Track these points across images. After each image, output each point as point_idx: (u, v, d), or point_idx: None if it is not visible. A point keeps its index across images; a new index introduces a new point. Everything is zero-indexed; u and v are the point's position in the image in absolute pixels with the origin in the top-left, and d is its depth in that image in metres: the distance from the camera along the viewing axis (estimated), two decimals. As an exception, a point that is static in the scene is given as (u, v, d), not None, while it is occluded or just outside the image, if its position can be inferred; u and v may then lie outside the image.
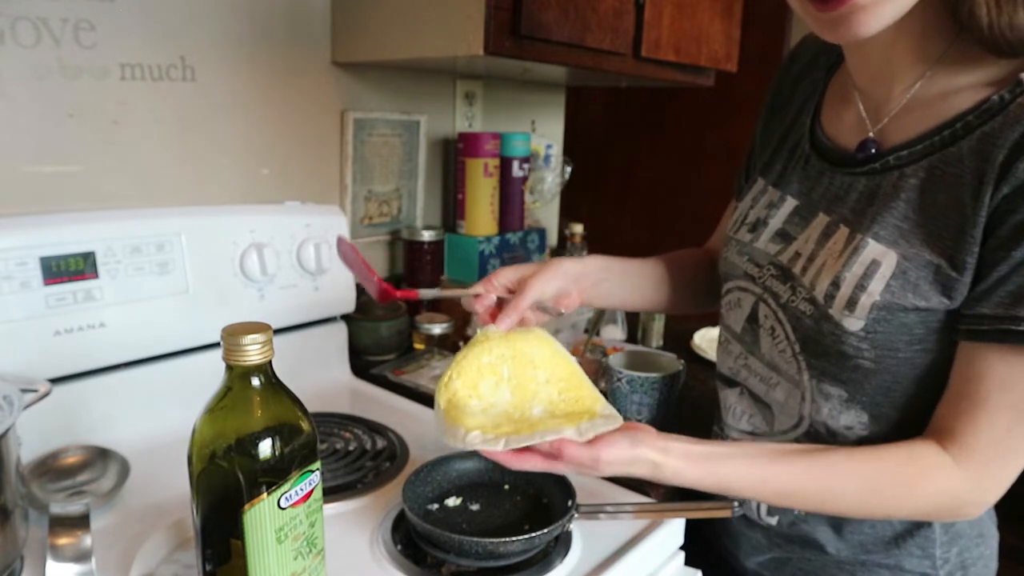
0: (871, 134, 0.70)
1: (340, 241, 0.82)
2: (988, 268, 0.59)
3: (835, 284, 0.67)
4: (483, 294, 0.76)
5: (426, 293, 0.78)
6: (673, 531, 0.82)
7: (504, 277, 0.77)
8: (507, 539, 0.68)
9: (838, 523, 0.75)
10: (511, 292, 0.76)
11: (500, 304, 0.76)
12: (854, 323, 0.65)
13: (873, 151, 0.69)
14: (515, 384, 0.71)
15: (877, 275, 0.64)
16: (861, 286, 0.65)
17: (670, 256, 0.96)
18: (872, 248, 0.65)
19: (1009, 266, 0.58)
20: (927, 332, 0.64)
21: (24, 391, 0.68)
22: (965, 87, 0.63)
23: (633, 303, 0.94)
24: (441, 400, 0.67)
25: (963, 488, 0.62)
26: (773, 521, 0.79)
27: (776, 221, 0.76)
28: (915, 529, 0.72)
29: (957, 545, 0.73)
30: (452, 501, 0.80)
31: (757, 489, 0.66)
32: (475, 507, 0.79)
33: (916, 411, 0.67)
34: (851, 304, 0.65)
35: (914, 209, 0.63)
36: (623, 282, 0.89)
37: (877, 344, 0.65)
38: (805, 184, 0.75)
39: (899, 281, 0.63)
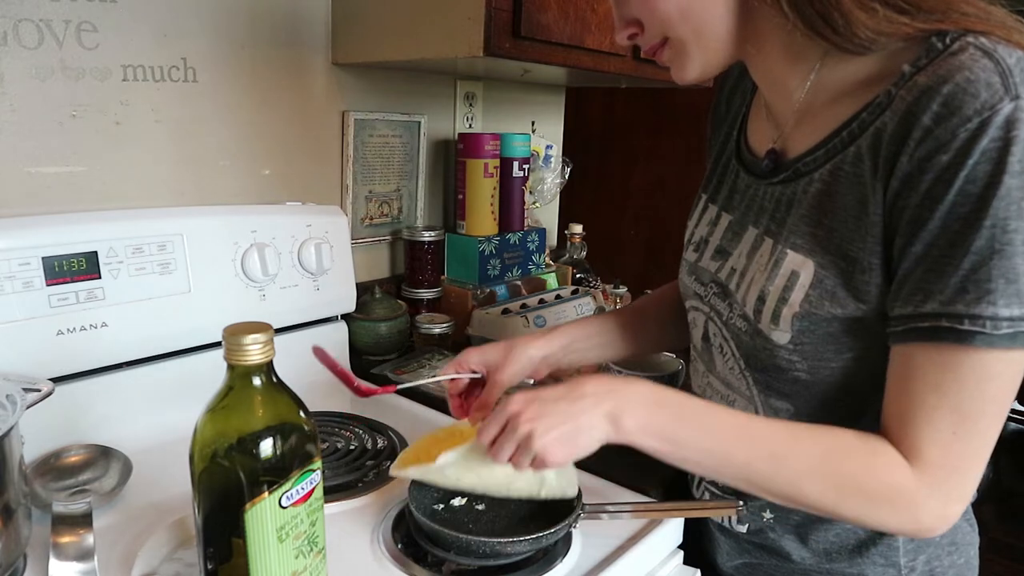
0: (774, 143, 0.70)
1: (315, 350, 0.85)
2: (897, 267, 0.58)
3: (761, 298, 0.66)
4: (456, 378, 0.82)
5: (403, 385, 0.83)
6: (672, 530, 0.83)
7: (472, 360, 0.82)
8: (514, 539, 0.68)
9: (803, 532, 0.74)
10: (475, 372, 0.82)
11: (470, 385, 0.84)
12: (781, 336, 0.65)
13: (777, 160, 0.69)
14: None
15: (797, 286, 0.63)
16: (783, 298, 0.64)
17: (652, 297, 0.96)
18: (791, 259, 0.64)
19: (911, 262, 0.56)
20: (854, 340, 0.62)
21: (27, 390, 0.68)
22: (854, 84, 0.62)
23: (610, 358, 0.95)
24: (408, 461, 0.75)
25: (917, 491, 0.57)
26: (743, 529, 0.79)
27: (715, 238, 0.76)
28: (878, 537, 0.71)
29: (924, 553, 0.71)
30: (457, 501, 0.80)
31: (711, 435, 0.62)
32: (480, 507, 0.80)
33: (867, 420, 0.64)
34: (775, 317, 0.65)
35: (826, 214, 0.62)
36: (597, 343, 0.90)
37: (807, 355, 0.64)
38: (736, 198, 0.75)
39: (817, 291, 0.62)
